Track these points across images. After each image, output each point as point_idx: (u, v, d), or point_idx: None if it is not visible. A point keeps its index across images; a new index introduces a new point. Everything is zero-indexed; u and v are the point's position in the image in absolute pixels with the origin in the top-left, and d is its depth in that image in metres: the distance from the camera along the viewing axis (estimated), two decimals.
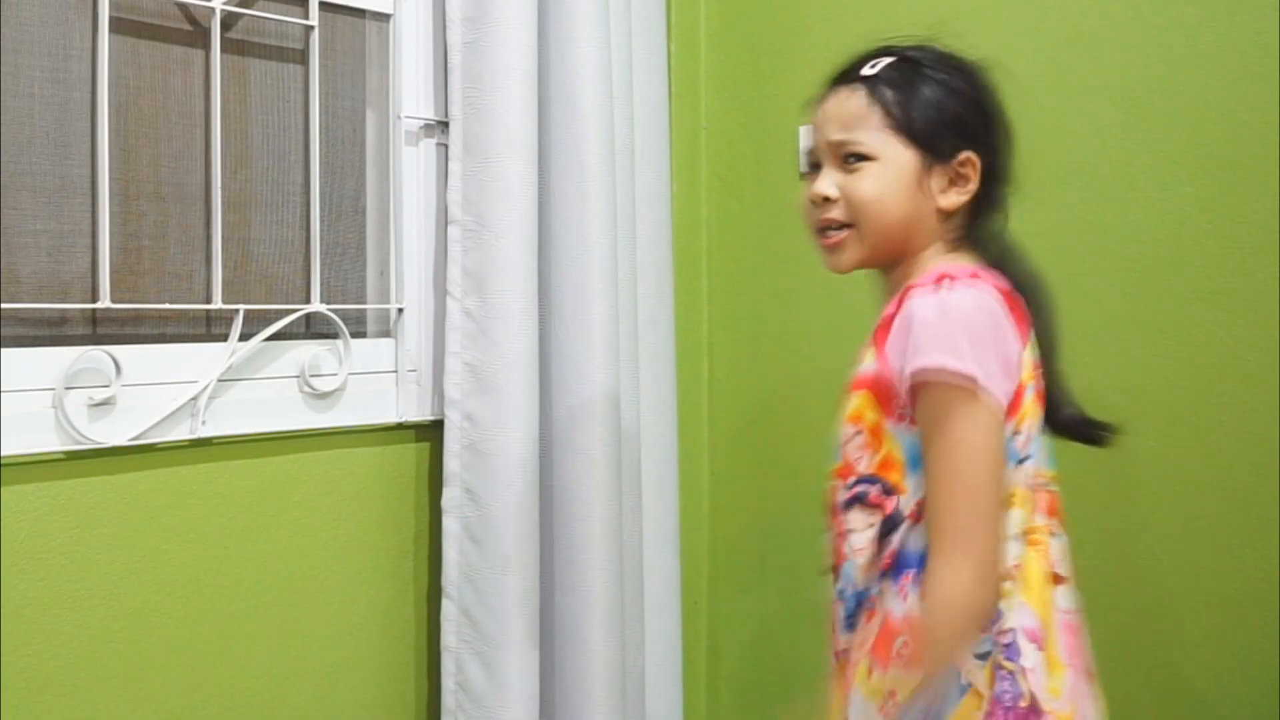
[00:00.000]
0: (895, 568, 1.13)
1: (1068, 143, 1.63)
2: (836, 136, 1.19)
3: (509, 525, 1.63)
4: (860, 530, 1.16)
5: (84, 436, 1.40)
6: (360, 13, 1.76)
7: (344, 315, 1.69)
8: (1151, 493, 1.57)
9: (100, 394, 1.42)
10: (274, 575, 1.57)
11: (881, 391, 1.14)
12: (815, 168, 1.22)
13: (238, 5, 1.62)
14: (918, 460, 1.12)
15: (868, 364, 1.16)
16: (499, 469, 1.64)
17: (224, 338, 1.56)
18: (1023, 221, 1.69)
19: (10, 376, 1.37)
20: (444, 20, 1.70)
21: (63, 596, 1.38)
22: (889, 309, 1.16)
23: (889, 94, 1.18)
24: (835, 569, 1.19)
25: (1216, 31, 1.52)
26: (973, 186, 1.19)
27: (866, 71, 1.20)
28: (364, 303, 1.77)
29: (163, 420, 1.47)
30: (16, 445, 1.35)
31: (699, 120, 2.08)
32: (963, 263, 1.16)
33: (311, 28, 1.66)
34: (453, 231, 1.68)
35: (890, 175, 1.17)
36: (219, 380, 1.53)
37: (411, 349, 1.75)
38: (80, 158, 1.48)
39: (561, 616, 1.70)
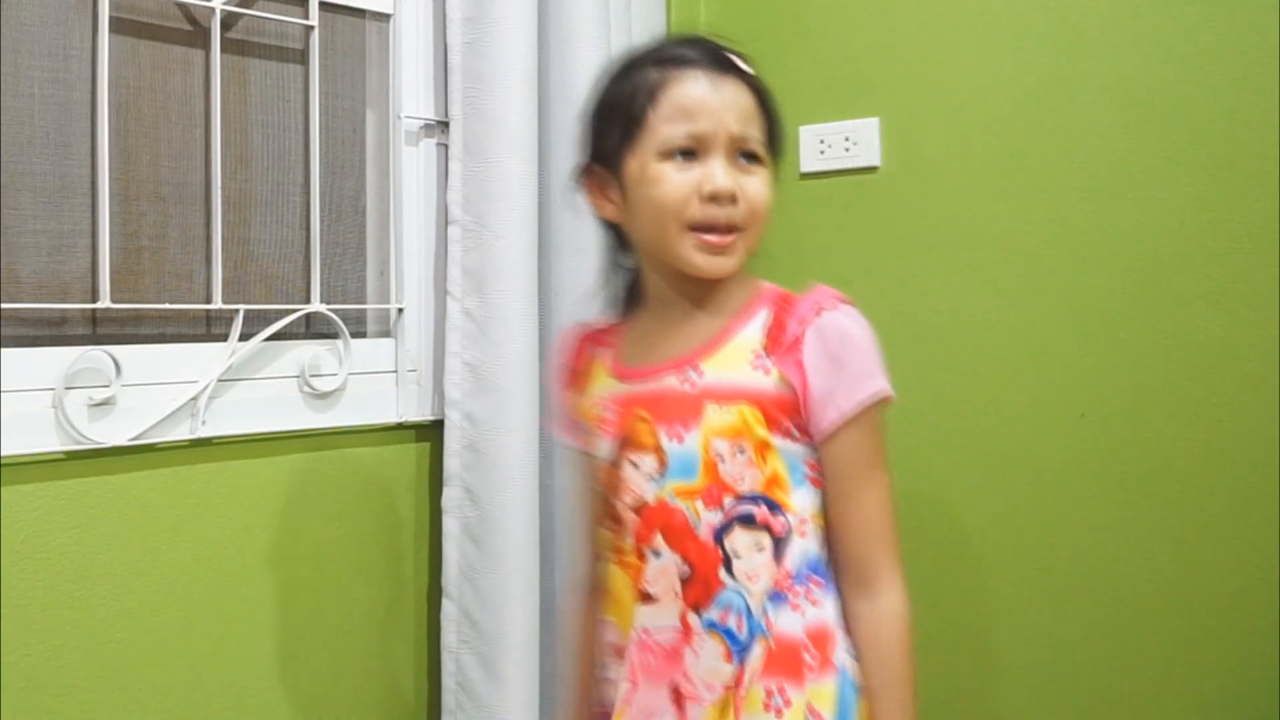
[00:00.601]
0: (786, 587, 1.10)
1: (1068, 143, 1.63)
2: (738, 130, 1.10)
3: (509, 525, 1.63)
4: (748, 555, 1.09)
5: (84, 436, 1.40)
6: (360, 13, 1.76)
7: (344, 315, 1.69)
8: (1152, 492, 1.57)
9: (100, 394, 1.42)
10: (274, 575, 1.57)
11: (777, 408, 1.09)
12: (686, 155, 1.10)
13: (238, 5, 1.62)
14: (801, 477, 1.11)
15: (742, 377, 1.10)
16: (499, 469, 1.64)
17: (224, 338, 1.57)
18: (1023, 222, 1.70)
19: (10, 376, 1.37)
20: (444, 20, 1.70)
21: (63, 596, 1.38)
22: (768, 325, 1.11)
23: (768, 102, 1.14)
24: (699, 597, 1.10)
25: (1216, 31, 1.52)
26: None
27: (744, 68, 1.13)
28: (364, 303, 1.77)
29: (163, 420, 1.47)
30: (16, 445, 1.35)
31: None
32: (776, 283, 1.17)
33: (311, 28, 1.66)
34: (453, 231, 1.68)
35: (769, 184, 1.13)
36: (219, 380, 1.53)
37: (411, 349, 1.75)
38: (80, 158, 1.48)
39: (562, 616, 1.70)
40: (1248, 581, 1.50)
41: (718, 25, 2.07)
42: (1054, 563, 1.65)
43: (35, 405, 1.38)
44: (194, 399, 1.50)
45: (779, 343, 1.10)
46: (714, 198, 1.08)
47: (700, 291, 1.15)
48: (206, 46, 1.58)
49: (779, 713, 1.07)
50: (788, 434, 1.10)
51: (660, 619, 1.11)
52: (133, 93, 1.53)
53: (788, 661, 1.09)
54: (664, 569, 1.11)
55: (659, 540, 1.11)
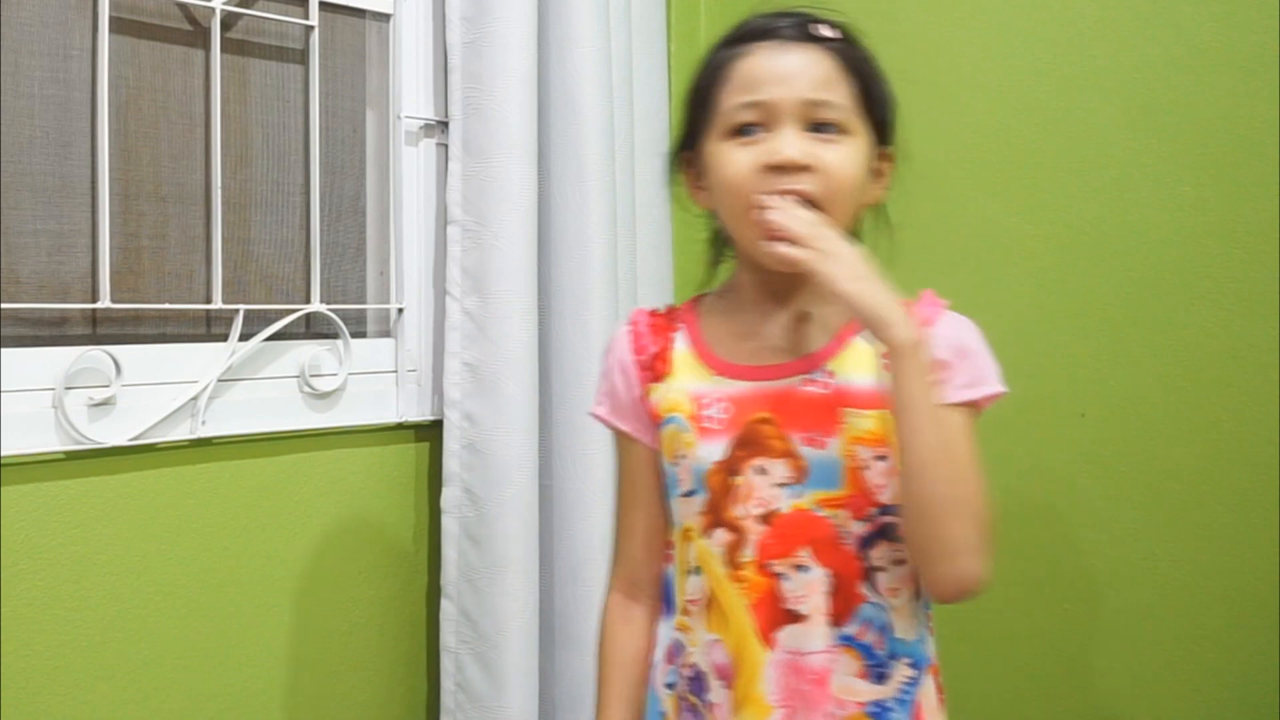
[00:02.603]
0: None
1: (1068, 143, 1.63)
2: (813, 95, 1.01)
3: (509, 525, 1.63)
4: (890, 568, 1.04)
5: (84, 436, 1.40)
6: (360, 13, 1.76)
7: (344, 315, 1.69)
8: (1151, 492, 1.57)
9: (100, 394, 1.42)
10: (273, 575, 1.57)
11: None
12: (750, 130, 1.02)
13: (238, 5, 1.62)
14: None
15: (869, 380, 1.03)
16: (499, 469, 1.64)
17: (224, 338, 1.56)
18: (1023, 222, 1.70)
19: (10, 376, 1.37)
20: (444, 20, 1.70)
21: (63, 596, 1.38)
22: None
23: (858, 66, 1.04)
24: (839, 611, 1.03)
25: (1216, 31, 1.52)
26: (888, 182, 1.09)
27: (825, 34, 1.04)
28: (364, 303, 1.77)
29: (163, 420, 1.47)
30: (16, 445, 1.35)
31: None
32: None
33: (311, 28, 1.66)
34: (452, 231, 1.68)
35: (859, 156, 1.03)
36: (219, 380, 1.53)
37: (411, 349, 1.75)
38: (80, 158, 1.48)
39: (561, 616, 1.70)
40: (1248, 581, 1.50)
41: (718, 26, 2.06)
42: (1053, 563, 1.64)
43: (35, 405, 1.38)
44: (194, 399, 1.50)
45: None
46: (778, 169, 0.99)
47: (797, 283, 1.06)
48: (206, 46, 1.58)
49: None
50: None
51: (811, 640, 1.03)
52: (133, 93, 1.53)
53: (938, 697, 1.07)
54: (811, 584, 1.03)
55: (805, 554, 1.03)
